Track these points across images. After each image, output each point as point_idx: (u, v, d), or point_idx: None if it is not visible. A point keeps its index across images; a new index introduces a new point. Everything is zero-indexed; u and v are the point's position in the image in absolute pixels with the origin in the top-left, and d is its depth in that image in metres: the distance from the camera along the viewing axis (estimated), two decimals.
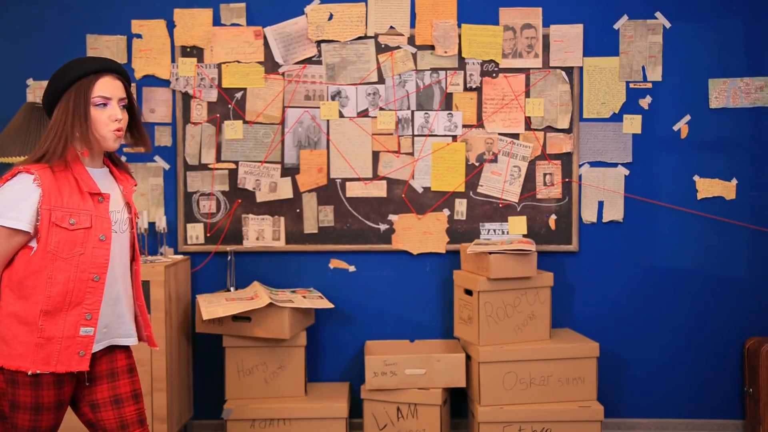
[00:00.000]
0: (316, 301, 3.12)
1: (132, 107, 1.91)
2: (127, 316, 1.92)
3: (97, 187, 1.83)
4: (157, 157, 3.35)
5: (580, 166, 3.33)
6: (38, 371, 1.73)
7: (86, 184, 1.80)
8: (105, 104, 1.81)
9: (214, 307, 2.97)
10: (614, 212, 3.34)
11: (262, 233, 3.33)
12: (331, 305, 3.10)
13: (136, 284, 1.98)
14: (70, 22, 3.32)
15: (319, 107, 3.31)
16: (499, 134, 3.32)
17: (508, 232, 3.33)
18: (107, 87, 1.81)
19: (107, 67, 1.83)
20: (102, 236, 1.80)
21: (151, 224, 3.34)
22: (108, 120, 1.81)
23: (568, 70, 3.31)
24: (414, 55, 3.30)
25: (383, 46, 3.30)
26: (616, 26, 3.32)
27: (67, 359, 1.76)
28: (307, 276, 3.36)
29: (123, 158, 3.30)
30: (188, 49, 3.31)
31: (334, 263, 3.37)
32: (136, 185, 2.01)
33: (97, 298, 1.80)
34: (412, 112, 3.32)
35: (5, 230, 1.74)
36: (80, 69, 1.80)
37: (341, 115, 3.31)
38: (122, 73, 1.86)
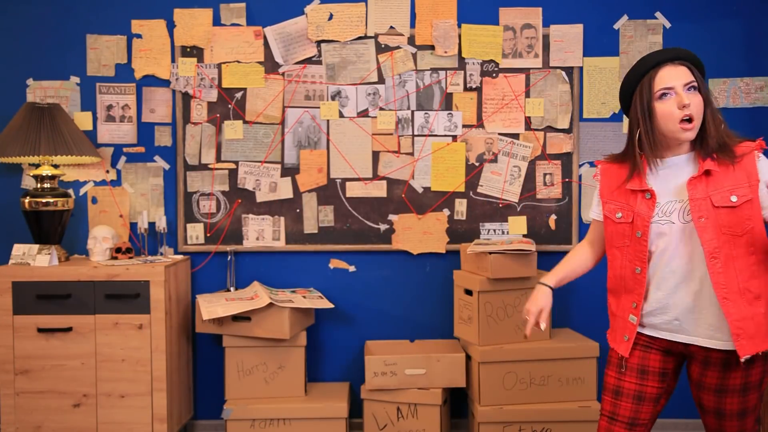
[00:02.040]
0: (316, 301, 3.12)
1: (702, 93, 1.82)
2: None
3: (642, 183, 1.86)
4: (157, 157, 3.35)
5: (580, 166, 3.33)
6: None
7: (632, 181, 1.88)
8: (667, 94, 1.81)
9: (214, 307, 2.97)
10: None
11: (262, 233, 3.34)
12: (331, 305, 3.10)
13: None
14: (70, 22, 3.32)
15: (319, 107, 3.31)
16: (499, 134, 3.32)
17: (508, 232, 3.33)
18: (668, 77, 1.80)
19: (665, 57, 1.82)
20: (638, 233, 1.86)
21: (151, 224, 3.34)
22: (673, 109, 1.79)
23: (568, 70, 3.31)
24: (414, 55, 3.30)
25: (383, 46, 3.30)
26: (616, 26, 3.32)
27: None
28: (307, 276, 3.36)
29: (123, 159, 3.31)
30: (188, 49, 3.31)
31: (334, 263, 3.38)
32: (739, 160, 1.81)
33: (641, 289, 1.87)
34: (412, 112, 3.32)
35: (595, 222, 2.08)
36: (643, 63, 1.84)
37: (341, 115, 3.31)
38: (685, 57, 1.82)
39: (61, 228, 3.14)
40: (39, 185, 3.10)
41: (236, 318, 3.02)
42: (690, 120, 1.79)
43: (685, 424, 3.37)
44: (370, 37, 3.30)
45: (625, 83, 1.89)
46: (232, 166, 3.33)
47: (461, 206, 3.33)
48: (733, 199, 1.76)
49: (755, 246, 1.78)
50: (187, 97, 3.32)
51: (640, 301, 1.88)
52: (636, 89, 1.86)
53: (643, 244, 1.85)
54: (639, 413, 1.90)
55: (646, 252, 1.85)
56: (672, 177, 1.85)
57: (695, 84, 1.80)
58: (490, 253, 2.97)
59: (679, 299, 1.83)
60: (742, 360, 1.76)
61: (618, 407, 1.91)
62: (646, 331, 1.91)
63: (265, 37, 3.31)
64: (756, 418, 1.88)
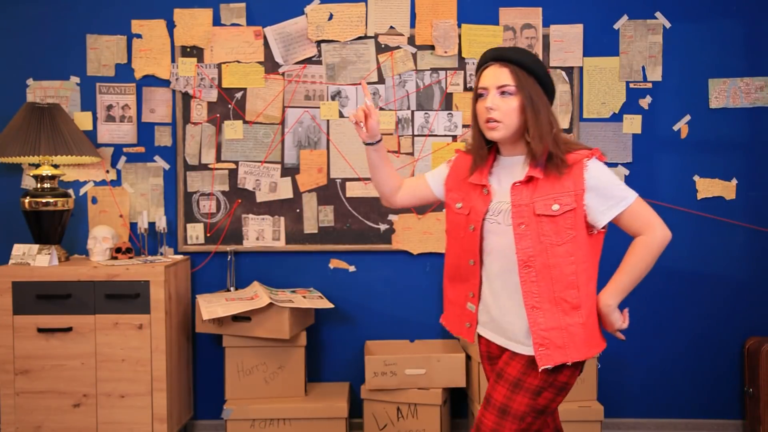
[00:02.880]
0: (316, 301, 3.12)
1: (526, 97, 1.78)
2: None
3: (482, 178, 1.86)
4: (157, 157, 3.35)
5: None
6: None
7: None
8: (482, 95, 1.82)
9: (214, 307, 2.97)
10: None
11: (262, 233, 3.33)
12: (331, 305, 3.10)
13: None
14: (70, 22, 3.32)
15: (319, 107, 3.31)
16: None
17: None
18: (487, 77, 1.81)
19: (492, 56, 1.81)
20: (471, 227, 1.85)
21: (151, 224, 3.34)
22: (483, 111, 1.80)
23: (568, 70, 3.31)
24: (414, 55, 3.30)
25: (383, 46, 3.30)
26: (616, 26, 3.32)
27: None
28: (307, 276, 3.36)
29: (123, 159, 3.31)
30: (188, 49, 3.31)
31: (334, 263, 3.38)
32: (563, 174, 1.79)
33: (475, 281, 1.86)
34: (412, 112, 3.32)
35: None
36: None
37: (341, 115, 3.31)
38: (511, 58, 1.78)
39: (61, 228, 3.14)
40: (39, 185, 3.10)
41: (236, 318, 3.02)
42: (495, 121, 1.78)
43: (685, 424, 3.37)
44: (370, 37, 3.30)
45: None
46: (232, 166, 3.33)
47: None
48: (555, 207, 1.74)
49: (576, 256, 1.76)
50: (187, 97, 3.32)
51: (476, 292, 1.87)
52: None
53: (475, 238, 1.82)
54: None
55: (477, 247, 1.82)
56: (508, 177, 1.84)
57: (510, 89, 1.76)
58: None
59: (500, 301, 1.82)
60: (540, 369, 1.74)
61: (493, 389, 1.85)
62: (480, 330, 1.92)
63: (265, 37, 3.31)
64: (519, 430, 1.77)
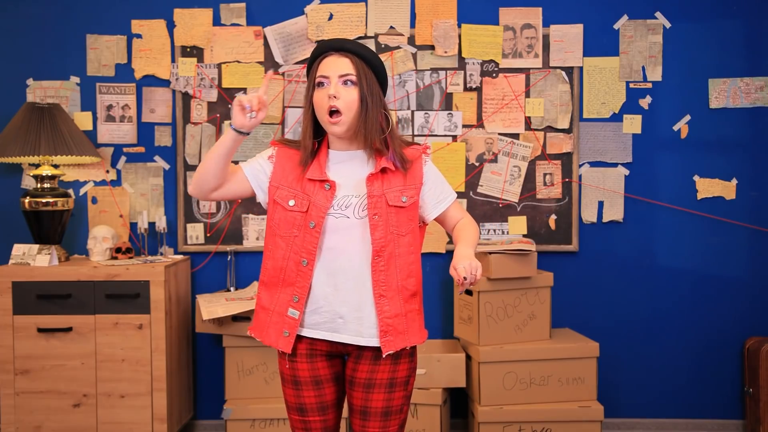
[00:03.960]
0: None
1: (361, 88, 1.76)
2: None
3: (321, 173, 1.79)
4: (157, 157, 3.35)
5: (580, 166, 3.33)
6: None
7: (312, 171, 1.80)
8: (323, 83, 1.77)
9: (214, 307, 2.97)
10: (614, 212, 3.34)
11: (262, 233, 3.33)
12: None
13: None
14: (70, 22, 3.32)
15: None
16: (499, 134, 3.32)
17: (508, 232, 3.33)
18: (327, 66, 1.76)
19: (331, 46, 1.78)
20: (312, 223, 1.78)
21: (151, 224, 3.34)
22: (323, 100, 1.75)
23: (568, 70, 3.31)
24: (414, 55, 3.30)
25: (383, 46, 3.30)
26: (616, 26, 3.32)
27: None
28: None
29: (123, 159, 3.31)
30: (188, 49, 3.31)
31: None
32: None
33: (305, 283, 1.78)
34: (412, 112, 3.32)
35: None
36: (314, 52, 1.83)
37: None
38: (352, 50, 1.77)
39: (61, 228, 3.14)
40: (39, 185, 3.10)
41: (236, 318, 3.02)
42: (337, 113, 1.74)
43: (685, 424, 3.37)
44: (370, 37, 3.30)
45: (307, 69, 1.85)
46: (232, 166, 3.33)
47: (461, 206, 3.33)
48: (404, 199, 1.79)
49: (414, 246, 1.82)
50: (187, 97, 3.32)
51: (304, 296, 1.77)
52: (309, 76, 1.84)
53: (315, 236, 1.75)
54: (328, 422, 1.86)
55: (316, 244, 1.76)
56: (349, 171, 1.80)
57: (353, 78, 1.74)
58: (490, 253, 2.97)
59: (346, 296, 1.77)
60: (384, 355, 1.77)
61: (308, 423, 1.84)
62: (306, 333, 1.80)
63: (265, 37, 3.31)
64: (400, 424, 1.83)
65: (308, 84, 1.81)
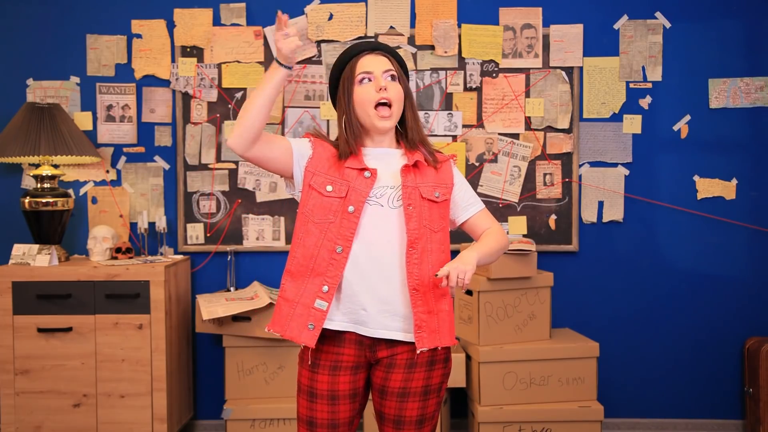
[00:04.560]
0: None
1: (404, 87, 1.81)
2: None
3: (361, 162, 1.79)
4: (157, 157, 3.35)
5: (580, 166, 3.33)
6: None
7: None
8: (368, 79, 1.79)
9: (214, 307, 2.97)
10: (614, 212, 3.34)
11: (262, 233, 3.33)
12: None
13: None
14: (70, 22, 3.32)
15: (319, 107, 3.31)
16: (499, 134, 3.32)
17: (508, 232, 3.33)
18: (368, 63, 1.79)
19: (367, 47, 1.82)
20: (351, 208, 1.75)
21: (151, 224, 3.34)
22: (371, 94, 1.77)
23: (568, 70, 3.31)
24: (414, 55, 3.30)
25: None
26: (616, 26, 3.32)
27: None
28: None
29: (123, 159, 3.31)
30: (188, 49, 3.31)
31: None
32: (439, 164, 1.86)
33: (337, 272, 1.72)
34: None
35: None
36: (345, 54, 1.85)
37: None
38: (386, 50, 1.83)
39: (61, 228, 3.14)
40: (39, 185, 3.10)
41: (236, 318, 3.02)
42: (387, 105, 1.75)
43: (685, 424, 3.37)
44: (370, 37, 3.30)
45: (333, 73, 1.86)
46: (232, 166, 3.33)
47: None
48: (437, 194, 1.80)
49: (445, 245, 1.81)
50: (187, 97, 3.32)
51: (334, 286, 1.71)
52: (341, 77, 1.84)
53: (354, 221, 1.72)
54: (336, 414, 1.76)
55: (354, 230, 1.72)
56: (384, 165, 1.80)
57: (394, 73, 1.79)
58: None
59: (375, 288, 1.73)
60: (419, 351, 1.72)
61: (314, 411, 1.77)
62: (332, 326, 1.74)
63: (265, 37, 3.31)
64: (432, 429, 1.81)
65: (344, 85, 1.81)
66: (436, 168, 1.83)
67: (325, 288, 1.72)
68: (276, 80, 1.73)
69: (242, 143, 1.71)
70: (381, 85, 1.75)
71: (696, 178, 3.33)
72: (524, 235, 3.32)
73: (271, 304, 2.95)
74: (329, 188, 1.76)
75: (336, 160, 1.79)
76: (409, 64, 3.29)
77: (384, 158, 1.82)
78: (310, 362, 1.77)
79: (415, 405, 1.76)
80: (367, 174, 1.76)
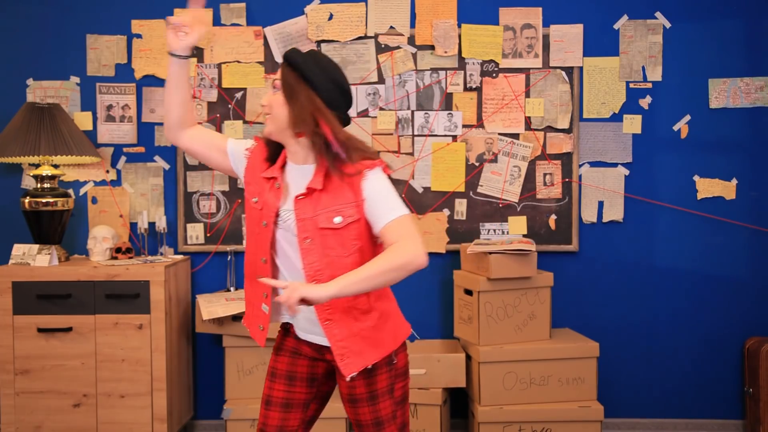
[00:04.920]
0: None
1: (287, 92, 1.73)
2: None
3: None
4: (157, 157, 3.35)
5: (580, 166, 3.33)
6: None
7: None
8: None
9: (214, 307, 2.97)
10: (614, 212, 3.34)
11: None
12: None
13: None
14: (70, 22, 3.32)
15: None
16: (499, 134, 3.32)
17: (508, 232, 3.33)
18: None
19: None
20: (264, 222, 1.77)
21: (151, 224, 3.34)
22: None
23: (568, 70, 3.31)
24: (414, 55, 3.30)
25: (383, 46, 3.30)
26: (616, 26, 3.32)
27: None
28: None
29: (123, 159, 3.31)
30: None
31: None
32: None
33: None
34: (412, 112, 3.32)
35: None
36: None
37: None
38: (288, 57, 1.74)
39: (61, 228, 3.14)
40: (39, 185, 3.10)
41: (236, 318, 3.02)
42: (268, 114, 1.77)
43: (685, 424, 3.37)
44: (370, 37, 3.30)
45: None
46: None
47: (461, 206, 3.33)
48: (337, 220, 1.69)
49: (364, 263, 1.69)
50: None
51: (269, 293, 1.78)
52: None
53: (267, 235, 1.74)
54: (287, 422, 1.83)
55: (268, 243, 1.75)
56: (294, 183, 1.77)
57: (277, 81, 1.74)
58: (490, 253, 2.97)
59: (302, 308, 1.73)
60: (348, 379, 1.73)
61: (267, 418, 1.84)
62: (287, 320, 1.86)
63: (265, 37, 3.31)
64: (399, 428, 1.82)
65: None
66: (343, 183, 1.70)
67: (265, 294, 1.80)
68: (169, 71, 1.82)
69: (167, 133, 1.90)
70: (262, 102, 1.79)
71: (696, 178, 3.33)
72: (524, 235, 3.32)
73: None
74: (254, 200, 1.80)
75: (267, 166, 1.82)
76: (409, 64, 3.29)
77: (296, 176, 1.78)
78: (276, 346, 1.91)
79: (365, 410, 1.80)
80: (276, 185, 1.77)
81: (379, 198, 1.70)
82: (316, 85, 1.71)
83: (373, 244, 1.77)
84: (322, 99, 1.71)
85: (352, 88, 3.28)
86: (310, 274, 1.70)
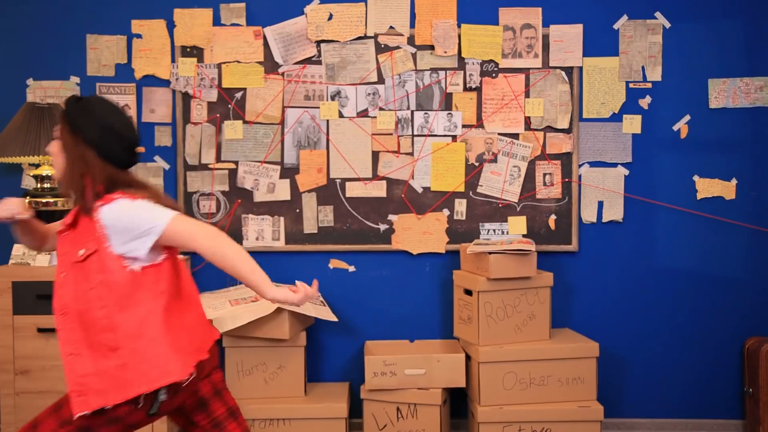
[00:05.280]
0: (320, 309, 3.12)
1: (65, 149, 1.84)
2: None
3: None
4: (157, 157, 3.35)
5: (580, 166, 3.33)
6: None
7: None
8: None
9: (223, 318, 2.96)
10: (614, 212, 3.34)
11: (261, 233, 3.34)
12: (335, 318, 3.12)
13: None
14: (70, 22, 3.32)
15: (318, 107, 3.31)
16: (499, 134, 3.32)
17: (507, 232, 3.33)
18: None
19: None
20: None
21: None
22: None
23: (568, 70, 3.31)
24: (414, 55, 3.30)
25: (383, 46, 3.30)
26: (616, 26, 3.32)
27: None
28: (306, 276, 3.36)
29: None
30: (188, 49, 3.31)
31: (334, 263, 3.37)
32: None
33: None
34: (412, 112, 3.32)
35: None
36: None
37: (341, 115, 3.31)
38: (63, 107, 1.84)
39: None
40: (39, 185, 3.10)
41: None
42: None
43: (685, 424, 3.37)
44: (370, 37, 3.30)
45: None
46: (232, 166, 3.33)
47: (461, 206, 3.33)
48: (80, 253, 1.78)
49: (106, 299, 1.75)
50: (187, 97, 3.32)
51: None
52: None
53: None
54: None
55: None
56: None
57: (57, 133, 1.85)
58: (490, 253, 2.97)
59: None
60: (76, 417, 1.72)
61: None
62: None
63: (264, 37, 3.31)
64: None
65: None
66: (90, 219, 1.79)
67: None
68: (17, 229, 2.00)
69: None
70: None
71: (696, 178, 3.33)
72: (524, 235, 3.32)
73: (278, 310, 2.95)
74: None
75: None
76: (409, 64, 3.30)
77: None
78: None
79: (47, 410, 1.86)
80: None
81: (125, 226, 1.75)
82: (86, 137, 1.80)
83: (126, 274, 1.76)
84: (93, 149, 1.80)
85: (351, 88, 3.30)
86: (58, 307, 1.81)
